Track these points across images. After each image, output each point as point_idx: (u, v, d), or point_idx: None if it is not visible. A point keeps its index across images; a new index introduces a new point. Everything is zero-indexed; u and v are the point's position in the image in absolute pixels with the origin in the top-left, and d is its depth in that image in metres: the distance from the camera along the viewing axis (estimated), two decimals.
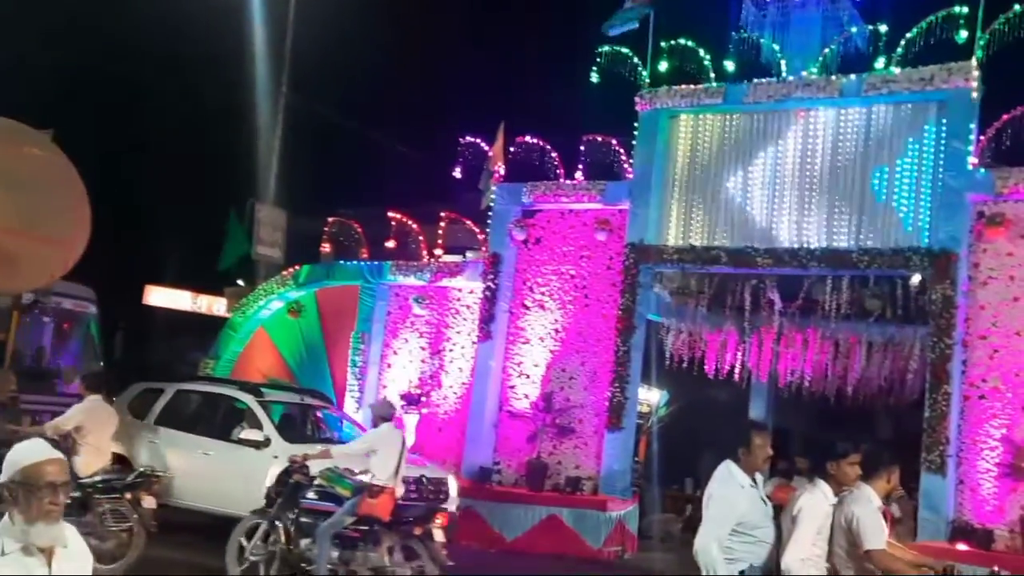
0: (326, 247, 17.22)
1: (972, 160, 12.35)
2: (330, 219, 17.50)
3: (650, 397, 16.71)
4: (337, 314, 16.62)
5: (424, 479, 11.57)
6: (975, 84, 12.43)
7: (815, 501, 5.83)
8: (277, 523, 9.30)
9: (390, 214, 16.60)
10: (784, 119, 13.77)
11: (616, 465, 13.95)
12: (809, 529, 5.73)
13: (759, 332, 14.24)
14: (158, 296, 25.79)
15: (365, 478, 9.39)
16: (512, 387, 14.94)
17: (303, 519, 9.34)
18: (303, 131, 21.44)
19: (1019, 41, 12.49)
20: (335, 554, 9.14)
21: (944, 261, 12.26)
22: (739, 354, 14.48)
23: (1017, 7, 12.33)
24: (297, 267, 17.25)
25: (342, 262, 16.95)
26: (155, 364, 20.10)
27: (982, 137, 12.44)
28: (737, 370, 14.57)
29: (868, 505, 5.85)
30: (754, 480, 5.85)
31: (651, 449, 16.56)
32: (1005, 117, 12.38)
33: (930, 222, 12.63)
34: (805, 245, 13.24)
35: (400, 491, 9.84)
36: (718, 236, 13.97)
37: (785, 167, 13.67)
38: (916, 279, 12.61)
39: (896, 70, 12.86)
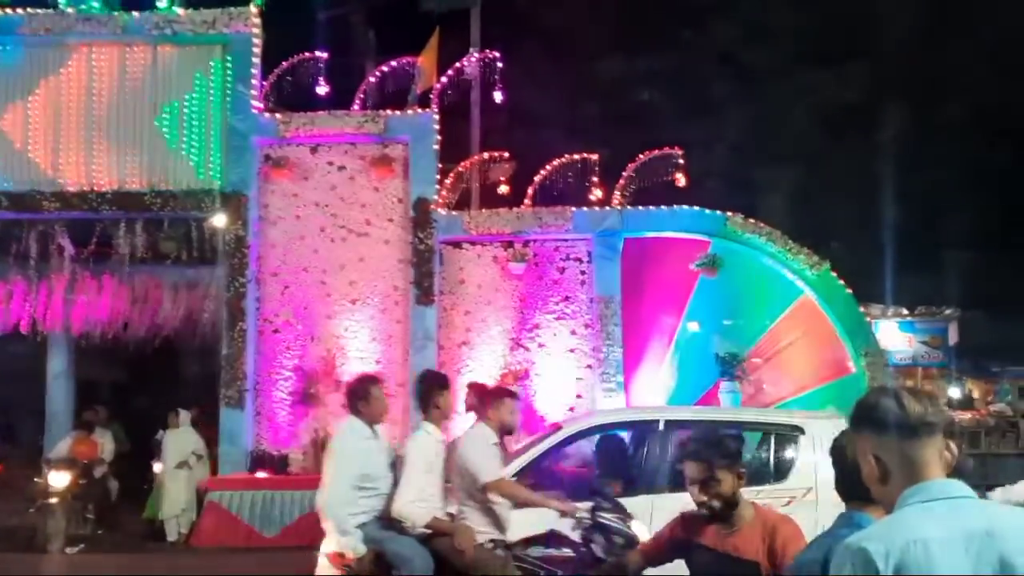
0: None
1: (256, 104, 12.83)
2: None
3: None
4: None
5: None
6: (256, 30, 12.88)
7: (420, 443, 5.88)
8: None
9: None
10: (65, 54, 12.94)
11: None
12: (416, 471, 5.73)
13: (49, 281, 13.27)
14: None
15: None
16: None
17: None
18: None
19: None
20: None
21: (235, 202, 12.69)
22: (28, 306, 13.38)
23: None
24: None
25: None
26: None
27: (265, 82, 12.96)
28: (28, 323, 13.47)
29: (477, 443, 5.92)
30: (375, 432, 5.89)
31: None
32: (285, 64, 13.05)
33: (221, 164, 12.88)
34: (95, 188, 12.66)
35: None
36: None
37: (70, 105, 12.91)
38: (220, 220, 12.73)
39: (180, 11, 12.84)
